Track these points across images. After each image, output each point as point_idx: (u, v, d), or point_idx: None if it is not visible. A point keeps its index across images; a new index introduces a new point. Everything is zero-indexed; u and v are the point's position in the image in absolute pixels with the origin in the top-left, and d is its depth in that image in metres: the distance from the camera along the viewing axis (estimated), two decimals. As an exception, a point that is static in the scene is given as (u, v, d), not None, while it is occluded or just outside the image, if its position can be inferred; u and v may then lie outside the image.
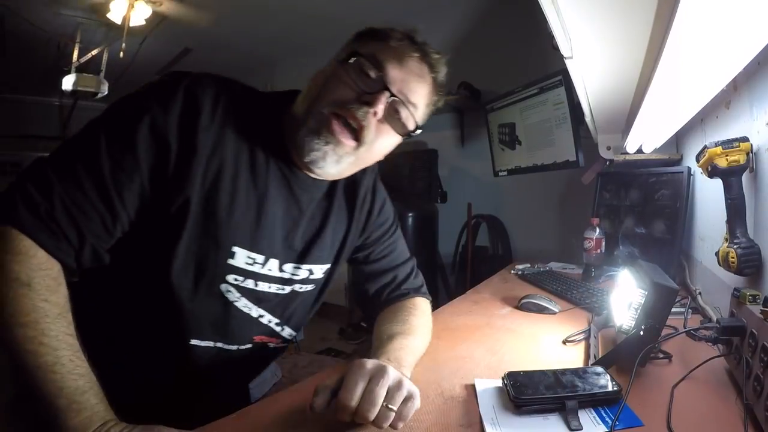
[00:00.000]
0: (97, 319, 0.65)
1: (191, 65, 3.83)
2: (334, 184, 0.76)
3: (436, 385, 0.67)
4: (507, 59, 2.68)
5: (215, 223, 0.62)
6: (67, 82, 3.08)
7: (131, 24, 2.75)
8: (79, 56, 3.20)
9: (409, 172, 2.82)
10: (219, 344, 0.69)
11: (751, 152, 0.81)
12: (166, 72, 0.64)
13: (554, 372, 0.63)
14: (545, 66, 2.09)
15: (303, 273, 0.74)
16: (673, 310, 0.75)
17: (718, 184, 0.87)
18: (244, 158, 0.64)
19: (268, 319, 0.73)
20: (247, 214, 0.65)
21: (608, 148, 1.54)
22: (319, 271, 0.77)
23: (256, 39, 3.43)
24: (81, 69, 3.20)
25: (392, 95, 0.63)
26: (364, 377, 0.50)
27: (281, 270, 0.71)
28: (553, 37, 0.69)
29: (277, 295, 0.73)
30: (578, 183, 1.87)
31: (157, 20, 2.90)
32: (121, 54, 2.98)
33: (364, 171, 0.77)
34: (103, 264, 0.60)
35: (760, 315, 0.57)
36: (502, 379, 0.63)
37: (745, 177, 0.84)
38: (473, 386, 0.66)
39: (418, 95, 0.66)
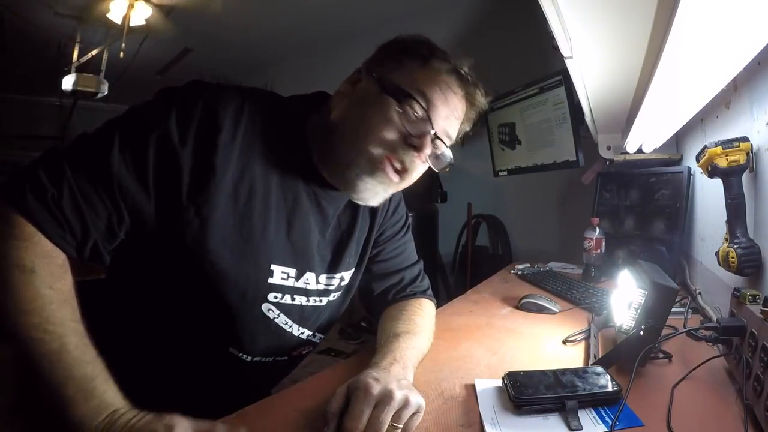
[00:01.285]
0: (134, 320, 0.66)
1: (191, 65, 3.83)
2: None
3: (436, 385, 0.67)
4: (507, 59, 2.68)
5: (252, 246, 0.62)
6: (67, 82, 3.08)
7: (131, 24, 2.75)
8: (79, 56, 3.20)
9: (409, 172, 2.81)
10: (257, 358, 0.70)
11: (751, 152, 0.81)
12: (189, 81, 0.61)
13: (554, 372, 0.63)
14: (545, 66, 2.09)
15: (336, 281, 0.75)
16: (673, 310, 0.75)
17: (718, 184, 0.87)
18: (274, 178, 0.63)
19: (307, 334, 0.75)
20: (280, 231, 0.65)
21: (608, 148, 1.54)
22: (348, 276, 0.78)
23: (256, 39, 3.43)
24: (81, 69, 3.20)
25: (436, 136, 0.63)
26: (369, 404, 0.50)
27: (318, 282, 0.72)
28: (553, 37, 0.69)
29: (315, 308, 0.73)
30: (578, 183, 1.87)
31: (164, 12, 2.87)
32: (121, 54, 2.98)
33: None
34: (103, 264, 0.60)
35: (760, 315, 0.57)
36: (502, 379, 0.63)
37: (745, 177, 0.84)
38: (473, 386, 0.65)
39: (454, 130, 0.68)
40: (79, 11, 2.90)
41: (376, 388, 0.52)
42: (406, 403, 0.52)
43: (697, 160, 0.89)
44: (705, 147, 0.85)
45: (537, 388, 0.59)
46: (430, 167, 0.68)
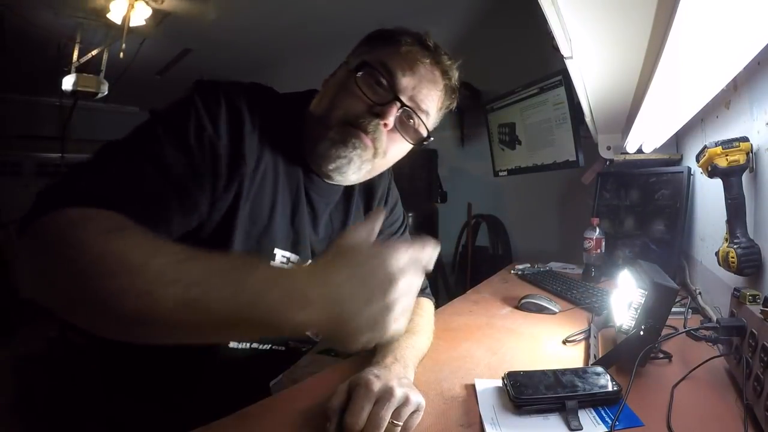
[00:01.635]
0: None
1: (191, 65, 3.83)
2: (351, 187, 0.77)
3: (436, 385, 0.67)
4: (507, 59, 2.68)
5: (258, 228, 0.63)
6: (67, 83, 3.08)
7: (131, 24, 2.75)
8: (79, 56, 3.20)
9: (409, 172, 2.81)
10: (254, 345, 0.70)
11: (751, 152, 0.81)
12: (195, 81, 0.61)
13: (554, 372, 0.63)
14: (545, 66, 2.09)
15: None
16: (673, 310, 0.75)
17: (718, 184, 0.87)
18: (281, 165, 0.66)
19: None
20: (285, 217, 0.67)
21: (608, 148, 1.54)
22: None
23: (257, 39, 3.42)
24: (81, 69, 3.20)
25: (402, 105, 0.63)
26: (370, 400, 0.50)
27: None
28: (553, 37, 0.69)
29: None
30: (578, 183, 1.87)
31: (161, 17, 2.89)
32: (121, 54, 2.98)
33: (380, 174, 0.79)
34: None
35: (760, 315, 0.57)
36: (502, 379, 0.63)
37: (745, 177, 0.84)
38: (473, 386, 0.66)
39: (429, 102, 0.67)
40: (79, 11, 2.90)
41: (376, 385, 0.52)
42: (406, 401, 0.52)
43: (697, 160, 0.89)
44: (705, 147, 0.85)
45: (537, 388, 0.59)
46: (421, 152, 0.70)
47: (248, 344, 0.69)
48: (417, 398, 0.54)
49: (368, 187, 0.80)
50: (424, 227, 2.76)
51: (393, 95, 0.62)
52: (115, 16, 2.69)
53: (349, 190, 0.77)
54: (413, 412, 0.53)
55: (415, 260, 0.41)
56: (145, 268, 0.36)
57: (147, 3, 2.69)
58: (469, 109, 2.84)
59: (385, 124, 0.62)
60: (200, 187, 0.55)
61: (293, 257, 0.69)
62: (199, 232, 0.59)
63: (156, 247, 0.40)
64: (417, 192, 2.79)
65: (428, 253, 0.44)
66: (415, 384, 0.61)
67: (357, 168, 0.64)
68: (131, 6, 2.66)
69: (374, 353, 0.67)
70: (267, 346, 0.72)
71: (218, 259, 0.39)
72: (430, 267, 0.44)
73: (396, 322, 0.40)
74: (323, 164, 0.65)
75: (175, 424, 0.57)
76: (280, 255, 0.67)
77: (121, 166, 0.50)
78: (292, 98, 0.71)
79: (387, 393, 0.51)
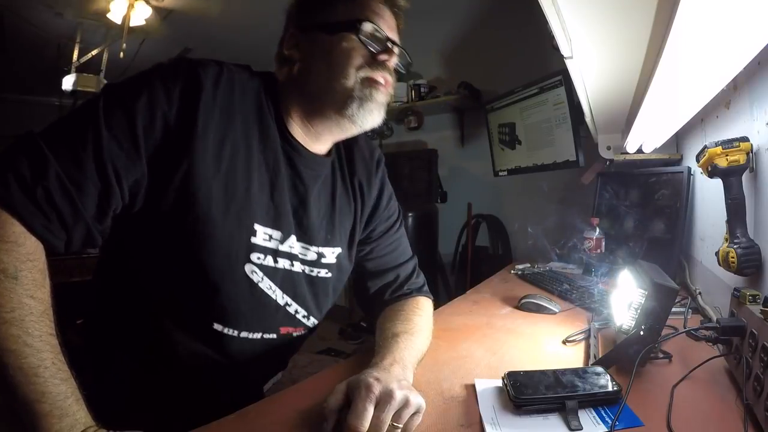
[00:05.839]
0: (118, 299, 0.66)
1: (191, 65, 3.84)
2: (333, 165, 0.78)
3: (436, 385, 0.67)
4: (507, 59, 2.68)
5: (238, 204, 0.63)
6: (67, 82, 3.08)
7: (131, 24, 2.75)
8: (79, 56, 3.19)
9: (409, 172, 2.82)
10: (243, 333, 0.68)
11: (751, 152, 0.80)
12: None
13: (554, 372, 0.63)
14: (545, 66, 2.09)
15: (313, 254, 0.74)
16: (673, 310, 0.75)
17: (718, 184, 0.87)
18: (254, 140, 0.65)
19: (294, 309, 0.73)
20: (263, 189, 0.66)
21: (608, 148, 1.54)
22: (330, 255, 0.77)
23: (257, 39, 3.42)
24: (81, 69, 3.19)
25: (395, 44, 0.70)
26: (372, 402, 0.50)
27: (298, 249, 0.72)
28: (553, 37, 0.69)
29: (300, 278, 0.73)
30: (578, 183, 1.87)
31: (163, 15, 2.88)
32: (121, 54, 2.97)
33: (359, 147, 0.82)
34: (95, 246, 0.59)
35: (760, 315, 0.57)
36: (502, 379, 0.63)
37: (745, 177, 0.84)
38: (473, 386, 0.66)
39: (397, 38, 0.74)
40: (79, 11, 2.90)
41: (377, 388, 0.52)
42: (406, 403, 0.52)
43: (697, 160, 0.89)
44: (705, 147, 0.85)
45: (537, 388, 0.59)
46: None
47: (235, 331, 0.67)
48: (417, 400, 0.54)
49: (350, 164, 0.81)
50: (425, 227, 2.76)
51: (386, 39, 0.69)
52: (115, 16, 2.69)
53: (332, 168, 0.78)
54: (413, 414, 0.53)
55: None
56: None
57: (147, 2, 2.69)
58: (469, 109, 2.84)
59: (390, 65, 0.69)
60: (133, 160, 0.56)
61: (275, 234, 0.68)
62: (158, 204, 0.59)
63: (20, 315, 0.47)
64: (417, 192, 2.79)
65: None
66: (414, 384, 0.61)
67: (381, 113, 0.70)
68: (131, 6, 2.66)
69: (373, 354, 0.67)
70: (258, 335, 0.70)
71: (50, 368, 0.48)
72: None
73: None
74: (355, 123, 0.69)
75: (174, 424, 0.56)
76: (262, 231, 0.66)
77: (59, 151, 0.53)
78: (263, 75, 0.71)
79: (387, 396, 0.51)
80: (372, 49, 0.68)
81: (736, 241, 0.81)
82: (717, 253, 0.86)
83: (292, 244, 0.71)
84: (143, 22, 2.78)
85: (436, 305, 1.15)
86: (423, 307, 0.83)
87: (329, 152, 0.77)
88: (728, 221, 0.84)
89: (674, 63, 0.57)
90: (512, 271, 1.62)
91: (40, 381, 0.47)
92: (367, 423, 0.49)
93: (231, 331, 0.67)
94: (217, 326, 0.66)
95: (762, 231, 0.80)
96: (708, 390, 0.64)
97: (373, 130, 3.26)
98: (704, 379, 0.66)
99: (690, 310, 0.96)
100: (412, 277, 0.87)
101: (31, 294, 0.49)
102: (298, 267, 0.72)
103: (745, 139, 0.81)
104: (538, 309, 1.09)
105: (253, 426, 0.55)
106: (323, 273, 0.77)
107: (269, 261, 0.68)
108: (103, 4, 2.71)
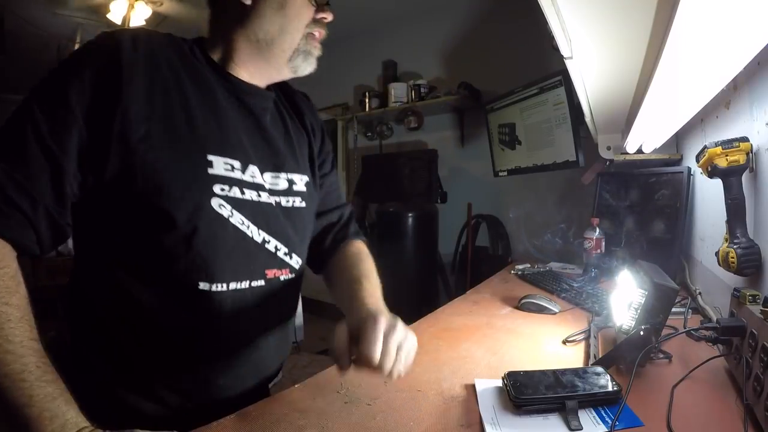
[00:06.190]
0: (99, 283, 0.64)
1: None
2: (276, 102, 0.80)
3: (436, 385, 0.67)
4: (507, 59, 2.68)
5: (182, 141, 0.62)
6: (67, 83, 3.08)
7: (131, 24, 2.75)
8: (79, 56, 3.20)
9: (409, 173, 2.81)
10: (232, 285, 0.66)
11: (751, 152, 0.81)
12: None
13: (554, 372, 0.63)
14: (545, 66, 2.09)
15: (283, 181, 0.74)
16: (673, 310, 0.75)
17: (718, 184, 0.87)
18: (183, 75, 0.66)
19: (274, 245, 0.71)
20: (207, 122, 0.66)
21: (608, 148, 1.54)
22: (300, 182, 0.77)
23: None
24: (81, 69, 3.20)
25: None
26: (381, 332, 0.55)
27: (263, 179, 0.72)
28: (553, 38, 0.69)
29: (272, 210, 0.72)
30: (578, 183, 1.87)
31: (158, 20, 2.91)
32: (121, 54, 2.98)
33: (301, 98, 0.87)
34: (65, 238, 0.58)
35: (760, 315, 0.57)
36: (502, 379, 0.63)
37: (745, 177, 0.84)
38: (473, 386, 0.66)
39: None
40: (79, 11, 2.90)
41: (383, 320, 0.56)
42: (407, 336, 0.57)
43: (697, 160, 0.89)
44: (705, 147, 0.85)
45: (537, 388, 0.59)
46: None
47: (224, 285, 0.65)
48: (412, 334, 0.59)
49: (290, 97, 0.84)
50: (424, 227, 2.76)
51: None
52: (115, 16, 2.69)
53: (276, 98, 0.80)
54: (412, 348, 0.58)
55: None
56: None
57: (147, 3, 2.69)
58: (469, 109, 2.84)
59: (328, 19, 0.74)
60: (69, 125, 0.56)
61: (236, 164, 0.68)
62: (105, 170, 0.58)
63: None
64: (417, 192, 2.79)
65: None
66: (414, 384, 0.61)
67: (315, 64, 0.75)
68: (131, 6, 2.66)
69: (349, 305, 0.69)
70: (246, 283, 0.68)
71: (34, 372, 0.48)
72: None
73: None
74: (296, 73, 0.74)
75: (175, 423, 0.56)
76: (221, 161, 0.66)
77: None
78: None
79: (392, 327, 0.56)
80: (316, 7, 0.72)
81: (736, 241, 0.81)
82: (717, 253, 0.86)
83: (254, 174, 0.69)
84: (143, 23, 2.78)
85: (436, 305, 1.16)
86: (364, 251, 0.88)
87: (268, 88, 0.78)
88: (728, 221, 0.84)
89: (674, 63, 0.57)
90: (512, 271, 1.62)
91: (26, 385, 0.46)
92: (379, 351, 0.53)
93: (218, 286, 0.64)
94: (204, 285, 0.63)
95: (762, 231, 0.80)
96: (708, 390, 0.64)
97: (373, 131, 3.27)
98: (704, 379, 0.66)
99: (690, 310, 0.96)
100: (351, 220, 0.92)
101: (6, 301, 0.49)
102: (267, 198, 0.71)
103: (744, 139, 0.81)
104: (538, 309, 1.09)
105: (254, 426, 0.55)
106: (298, 202, 0.76)
107: (236, 192, 0.67)
108: (103, 4, 2.71)
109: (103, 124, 0.57)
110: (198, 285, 0.63)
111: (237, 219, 0.66)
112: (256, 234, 0.69)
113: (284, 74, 0.76)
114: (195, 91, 0.66)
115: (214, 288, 0.64)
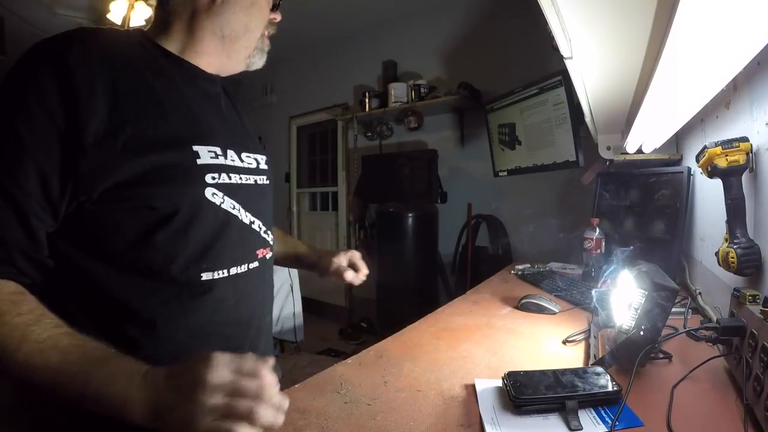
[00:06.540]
0: (100, 287, 0.61)
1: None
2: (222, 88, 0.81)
3: (436, 385, 0.67)
4: (507, 59, 2.69)
5: (163, 138, 0.61)
6: (67, 83, 3.08)
7: (131, 24, 2.75)
8: (79, 56, 3.20)
9: (409, 173, 2.82)
10: (232, 270, 0.67)
11: (751, 152, 0.81)
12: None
13: (554, 372, 0.63)
14: (545, 66, 2.09)
15: (253, 162, 0.76)
16: (673, 310, 0.75)
17: (718, 184, 0.87)
18: (143, 70, 0.64)
19: (258, 225, 0.73)
20: (180, 113, 0.65)
21: (608, 148, 1.54)
22: (262, 161, 0.78)
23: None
24: (81, 69, 3.20)
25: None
26: (354, 255, 0.92)
27: (241, 160, 0.73)
28: (553, 38, 0.69)
29: (253, 190, 0.73)
30: (578, 183, 1.87)
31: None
32: (121, 54, 2.98)
33: (232, 95, 0.88)
34: (47, 269, 0.57)
35: (760, 315, 0.57)
36: (502, 379, 0.63)
37: (745, 177, 0.84)
38: (473, 386, 0.66)
39: None
40: (79, 12, 2.90)
41: (356, 252, 0.92)
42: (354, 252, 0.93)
43: (697, 161, 0.89)
44: (705, 147, 0.85)
45: (537, 388, 0.59)
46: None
47: (225, 271, 0.66)
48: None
49: (225, 89, 0.85)
50: (424, 227, 2.77)
51: None
52: (115, 16, 2.69)
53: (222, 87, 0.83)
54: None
55: (240, 372, 0.47)
56: (15, 356, 0.48)
57: (147, 3, 2.69)
58: (469, 110, 2.84)
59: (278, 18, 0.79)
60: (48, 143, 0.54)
61: (218, 150, 0.67)
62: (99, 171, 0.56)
63: (23, 333, 0.49)
64: (417, 192, 2.79)
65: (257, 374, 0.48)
66: (415, 384, 0.61)
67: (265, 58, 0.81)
68: (131, 6, 2.66)
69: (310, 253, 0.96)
70: (244, 267, 0.69)
71: (74, 352, 0.49)
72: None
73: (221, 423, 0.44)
74: (249, 68, 0.79)
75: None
76: (206, 150, 0.65)
77: None
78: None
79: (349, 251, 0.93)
80: (272, 8, 0.77)
81: (736, 241, 0.81)
82: (717, 253, 0.86)
83: (233, 157, 0.71)
84: (143, 23, 2.78)
85: (437, 305, 1.16)
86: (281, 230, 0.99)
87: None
88: (728, 221, 0.84)
89: (674, 63, 0.57)
90: (512, 272, 1.62)
91: (74, 369, 0.47)
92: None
93: (220, 272, 0.65)
94: (207, 275, 0.63)
95: (762, 231, 0.80)
96: (708, 390, 0.64)
97: (373, 131, 3.27)
98: (704, 379, 0.66)
99: (690, 310, 0.96)
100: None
101: (18, 312, 0.50)
102: (246, 179, 0.72)
103: (744, 140, 0.81)
104: (538, 309, 1.09)
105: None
106: (265, 180, 0.78)
107: (224, 178, 0.67)
108: (103, 4, 2.71)
109: (73, 147, 0.55)
110: (201, 277, 0.63)
111: (228, 204, 0.67)
112: (245, 216, 0.70)
113: (239, 68, 0.79)
114: (160, 84, 0.65)
115: (215, 276, 0.64)
